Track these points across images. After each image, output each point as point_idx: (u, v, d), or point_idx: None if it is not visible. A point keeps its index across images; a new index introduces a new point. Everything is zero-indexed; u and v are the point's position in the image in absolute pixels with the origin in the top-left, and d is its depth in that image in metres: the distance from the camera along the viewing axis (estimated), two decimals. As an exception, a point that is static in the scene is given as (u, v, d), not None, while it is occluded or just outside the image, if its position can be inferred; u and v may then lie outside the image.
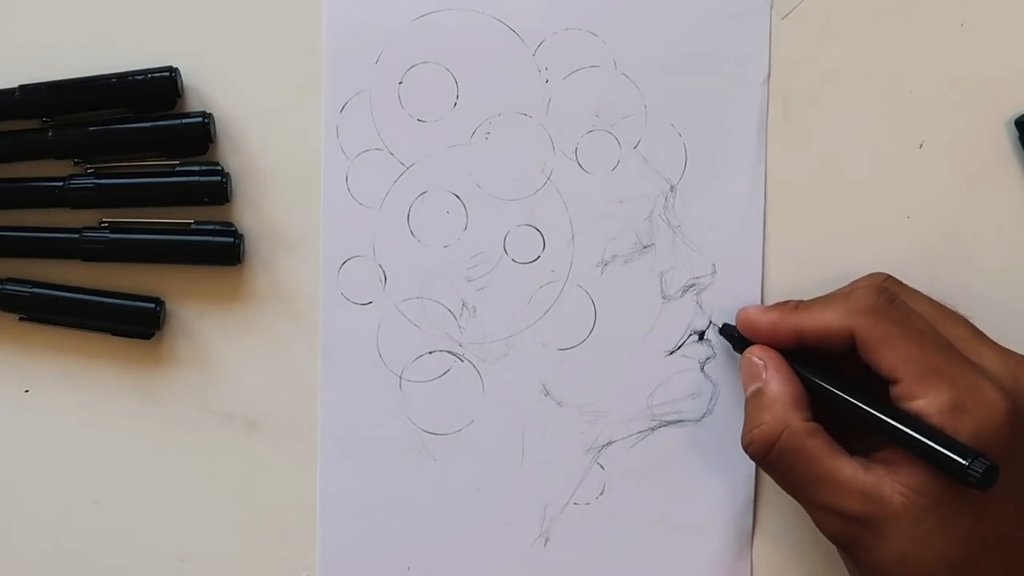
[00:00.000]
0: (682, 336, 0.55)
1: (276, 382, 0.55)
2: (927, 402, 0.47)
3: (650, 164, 0.55)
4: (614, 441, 0.56)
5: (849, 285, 0.53)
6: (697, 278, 0.55)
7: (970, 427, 0.46)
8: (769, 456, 0.50)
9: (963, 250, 0.56)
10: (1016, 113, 0.55)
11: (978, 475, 0.45)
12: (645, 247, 0.55)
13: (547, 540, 0.56)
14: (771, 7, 0.55)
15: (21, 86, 0.54)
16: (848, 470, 0.48)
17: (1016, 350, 0.50)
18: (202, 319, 0.55)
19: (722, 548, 0.56)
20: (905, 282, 0.52)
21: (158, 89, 0.54)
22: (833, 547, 0.54)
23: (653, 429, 0.56)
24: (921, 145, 0.56)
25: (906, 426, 0.47)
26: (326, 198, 0.55)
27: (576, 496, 0.56)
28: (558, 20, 0.55)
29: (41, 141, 0.54)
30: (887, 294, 0.50)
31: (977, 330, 0.51)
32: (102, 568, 0.56)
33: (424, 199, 0.55)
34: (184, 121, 0.54)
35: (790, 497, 0.51)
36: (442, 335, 0.55)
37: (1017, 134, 0.55)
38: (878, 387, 0.49)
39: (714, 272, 0.55)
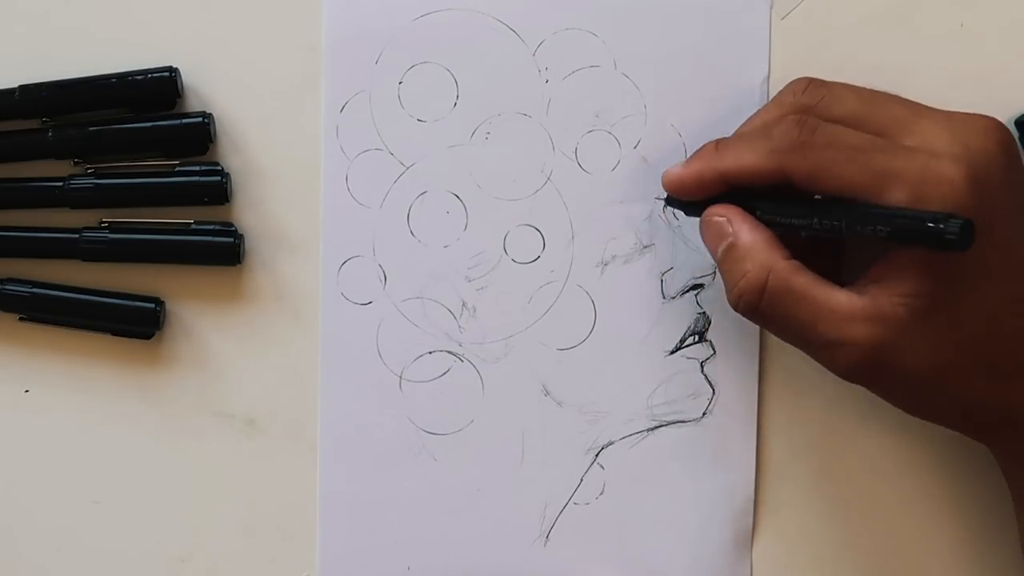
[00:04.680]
0: (682, 336, 0.55)
1: (276, 382, 0.55)
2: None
3: (650, 164, 0.55)
4: (614, 441, 0.56)
5: (769, 106, 0.51)
6: (697, 278, 0.55)
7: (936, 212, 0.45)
8: (761, 304, 0.48)
9: (963, 250, 0.56)
10: (1016, 113, 0.55)
11: (955, 231, 0.43)
12: (645, 247, 0.55)
13: (547, 540, 0.56)
14: (771, 7, 0.55)
15: (21, 86, 0.54)
16: (843, 298, 0.47)
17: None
18: (202, 319, 0.55)
19: (722, 548, 0.56)
20: None
21: (158, 89, 0.54)
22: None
23: (653, 429, 0.56)
24: (921, 145, 0.55)
25: (866, 213, 0.45)
26: (326, 198, 0.55)
27: (576, 496, 0.56)
28: (558, 20, 0.55)
29: (41, 141, 0.54)
30: (808, 124, 0.48)
31: (913, 104, 0.49)
32: (102, 568, 0.56)
33: (424, 199, 0.55)
34: (184, 121, 0.54)
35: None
36: (442, 335, 0.55)
37: (1017, 134, 0.55)
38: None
39: (714, 272, 0.55)
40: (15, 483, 0.56)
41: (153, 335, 0.55)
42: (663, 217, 0.55)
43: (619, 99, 0.55)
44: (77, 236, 0.54)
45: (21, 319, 0.55)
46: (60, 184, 0.54)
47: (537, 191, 0.55)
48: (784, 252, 0.48)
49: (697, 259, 0.55)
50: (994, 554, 0.56)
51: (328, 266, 0.55)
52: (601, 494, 0.56)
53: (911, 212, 0.45)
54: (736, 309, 0.49)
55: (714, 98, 0.55)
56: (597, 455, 0.56)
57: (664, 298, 0.55)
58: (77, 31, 0.55)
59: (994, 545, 0.56)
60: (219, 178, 0.54)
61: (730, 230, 0.49)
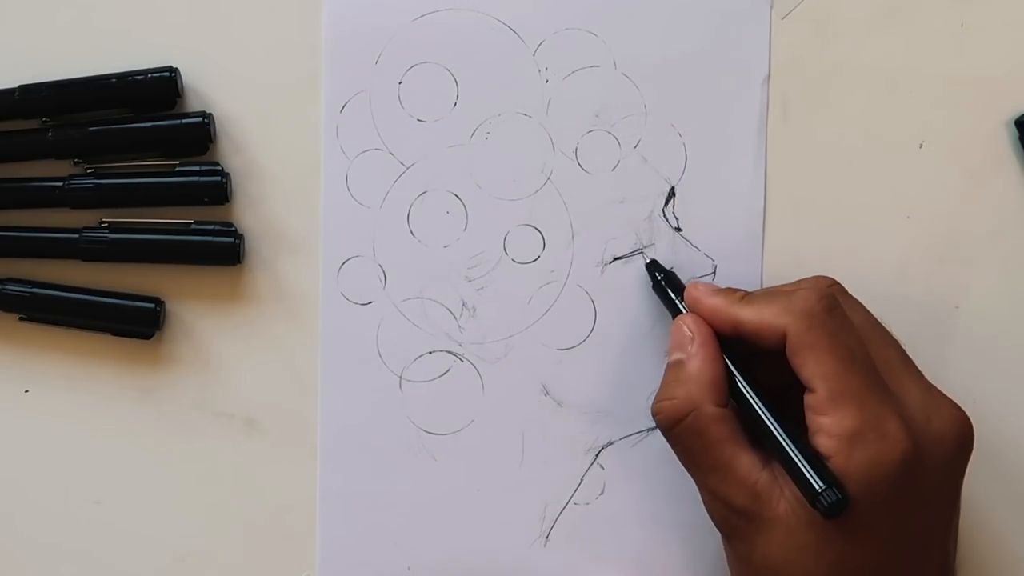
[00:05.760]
0: (682, 336, 0.55)
1: (276, 382, 0.55)
2: (831, 422, 0.46)
3: (650, 164, 0.55)
4: (614, 441, 0.56)
5: (793, 284, 0.51)
6: (697, 278, 0.55)
7: (863, 459, 0.46)
8: (673, 431, 0.49)
9: (963, 250, 0.56)
10: (1016, 113, 0.55)
11: (826, 504, 0.45)
12: (645, 247, 0.55)
13: (547, 540, 0.56)
14: (771, 7, 0.55)
15: (21, 86, 0.54)
16: (745, 464, 0.48)
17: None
18: (202, 319, 0.55)
19: (722, 548, 0.56)
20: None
21: (158, 89, 0.54)
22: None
23: (653, 429, 0.56)
24: (921, 145, 0.56)
25: (784, 435, 0.47)
26: (326, 198, 0.55)
27: (576, 496, 0.56)
28: (558, 20, 0.55)
29: (41, 141, 0.54)
30: (828, 301, 0.48)
31: (906, 357, 0.50)
32: (102, 568, 0.56)
33: (424, 199, 0.55)
34: (184, 121, 0.54)
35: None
36: (442, 335, 0.55)
37: (1017, 134, 0.55)
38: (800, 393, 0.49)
39: (714, 272, 0.55)
40: (15, 483, 0.56)
41: (153, 335, 0.55)
42: (663, 217, 0.55)
43: (619, 99, 0.55)
44: (77, 236, 0.54)
45: (21, 319, 0.55)
46: (60, 184, 0.54)
47: (537, 191, 0.55)
48: (719, 397, 0.49)
49: (697, 259, 0.55)
50: (991, 554, 0.56)
51: (328, 266, 0.55)
52: (601, 494, 0.56)
53: (812, 457, 0.46)
54: (653, 418, 0.50)
55: (714, 98, 0.55)
56: (597, 455, 0.56)
57: (664, 298, 0.55)
58: (77, 31, 0.55)
59: (990, 545, 0.56)
60: (219, 178, 0.54)
61: (689, 349, 0.50)
